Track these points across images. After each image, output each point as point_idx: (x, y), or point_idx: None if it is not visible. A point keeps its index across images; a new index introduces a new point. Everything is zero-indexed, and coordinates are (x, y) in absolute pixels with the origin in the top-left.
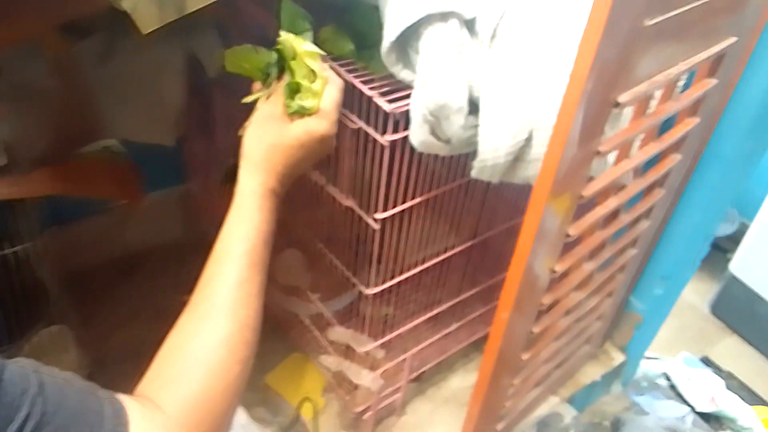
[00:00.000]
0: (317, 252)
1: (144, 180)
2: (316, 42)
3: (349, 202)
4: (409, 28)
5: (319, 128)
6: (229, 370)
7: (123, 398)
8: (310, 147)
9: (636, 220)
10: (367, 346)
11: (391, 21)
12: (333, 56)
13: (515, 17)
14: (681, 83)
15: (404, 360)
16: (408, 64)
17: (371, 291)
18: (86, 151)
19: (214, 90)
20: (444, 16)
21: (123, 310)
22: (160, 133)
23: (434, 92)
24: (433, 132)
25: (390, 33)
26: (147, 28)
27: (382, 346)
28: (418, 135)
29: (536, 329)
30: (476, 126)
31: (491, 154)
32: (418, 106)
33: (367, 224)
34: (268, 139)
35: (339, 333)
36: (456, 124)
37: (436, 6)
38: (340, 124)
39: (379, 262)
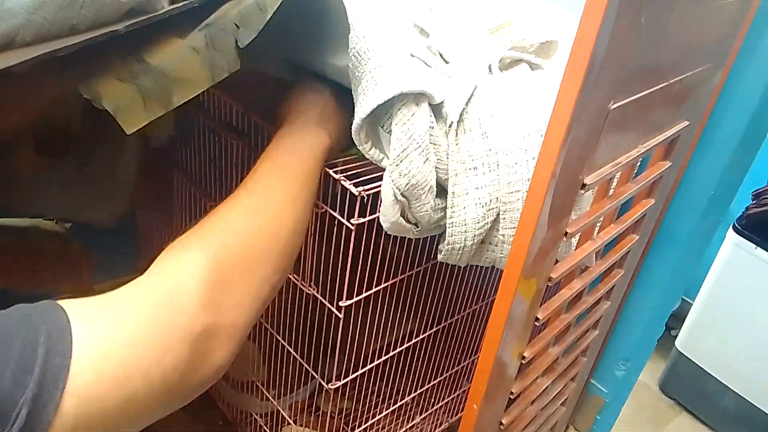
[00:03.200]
0: (273, 343)
1: (94, 267)
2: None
3: (311, 290)
4: (380, 106)
5: None
6: (274, 257)
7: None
8: None
9: (597, 302)
10: None
11: (363, 98)
12: None
13: (480, 102)
14: (637, 166)
15: None
16: (377, 142)
17: (333, 385)
18: (26, 228)
19: (173, 169)
20: (417, 97)
21: None
22: (105, 211)
23: (407, 171)
24: (403, 214)
25: (361, 110)
26: (132, 127)
27: None
28: (389, 216)
29: (506, 420)
30: (443, 208)
31: (459, 236)
32: (389, 186)
33: (329, 312)
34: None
35: None
36: (427, 205)
37: (410, 86)
38: None
39: (341, 352)
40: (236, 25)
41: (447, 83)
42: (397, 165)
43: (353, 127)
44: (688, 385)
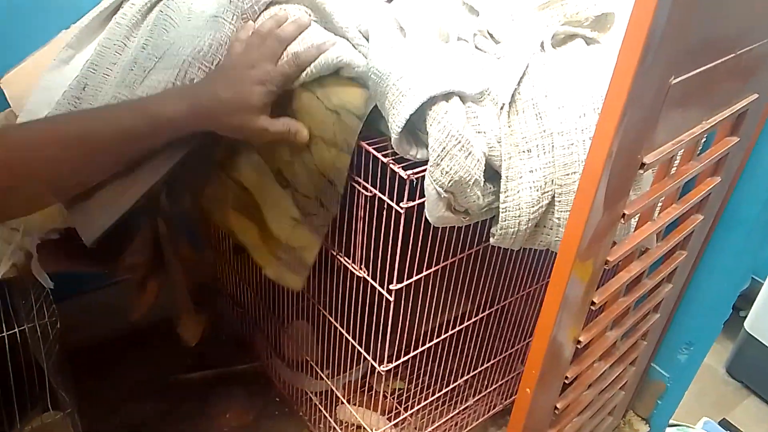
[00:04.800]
0: (327, 325)
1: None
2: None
3: (362, 273)
4: (413, 114)
5: None
6: None
7: None
8: None
9: (658, 285)
10: (379, 425)
11: (394, 112)
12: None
13: (532, 82)
14: (701, 142)
15: None
16: (420, 144)
17: (384, 368)
18: None
19: None
20: (446, 95)
21: (123, 386)
22: None
23: (448, 169)
24: (450, 206)
25: (395, 124)
26: (296, 287)
27: (396, 425)
28: (434, 211)
29: (560, 404)
30: (494, 192)
31: (513, 221)
32: (432, 185)
33: (380, 295)
34: None
35: (349, 412)
36: (473, 197)
37: (436, 88)
38: (355, 192)
39: (393, 335)
40: (316, 196)
41: (496, 65)
42: (438, 164)
43: (393, 142)
44: (756, 368)
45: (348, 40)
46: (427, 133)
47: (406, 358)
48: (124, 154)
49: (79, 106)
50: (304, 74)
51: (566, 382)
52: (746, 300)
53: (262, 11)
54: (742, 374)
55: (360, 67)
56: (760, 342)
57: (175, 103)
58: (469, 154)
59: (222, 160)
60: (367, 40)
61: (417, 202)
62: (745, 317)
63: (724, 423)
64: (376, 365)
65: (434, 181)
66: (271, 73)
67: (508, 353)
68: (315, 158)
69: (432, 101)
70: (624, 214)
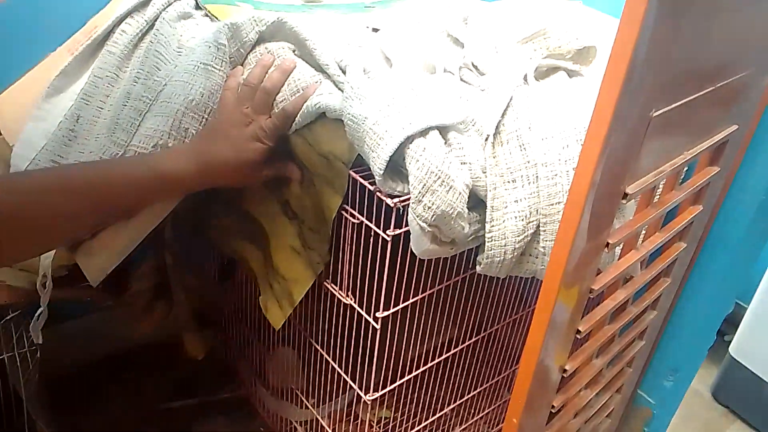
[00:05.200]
0: (313, 352)
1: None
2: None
3: (348, 300)
4: (392, 155)
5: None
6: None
7: None
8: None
9: (643, 312)
10: None
11: (373, 156)
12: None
13: (516, 114)
14: (683, 171)
15: None
16: (405, 179)
17: (371, 396)
18: None
19: None
20: (423, 132)
21: (105, 415)
22: None
23: (430, 204)
24: (435, 239)
25: (376, 167)
26: (277, 323)
27: None
28: (420, 245)
29: None
30: (479, 221)
31: (499, 250)
32: (416, 220)
33: (367, 323)
34: None
35: None
36: (457, 228)
37: (413, 127)
38: (342, 219)
39: (379, 363)
40: (317, 228)
41: (481, 97)
42: (419, 200)
43: (378, 183)
44: (742, 393)
45: (329, 76)
46: (408, 171)
47: (392, 386)
48: (130, 208)
49: (74, 138)
50: (293, 124)
51: (552, 411)
52: (731, 324)
53: (249, 52)
54: (728, 399)
55: (337, 111)
56: (745, 367)
57: (183, 163)
58: (450, 188)
59: (231, 194)
60: None
61: (404, 229)
62: (730, 342)
63: None
64: (362, 394)
65: (417, 216)
66: (265, 129)
67: (495, 380)
68: (319, 194)
69: (409, 140)
70: (608, 243)
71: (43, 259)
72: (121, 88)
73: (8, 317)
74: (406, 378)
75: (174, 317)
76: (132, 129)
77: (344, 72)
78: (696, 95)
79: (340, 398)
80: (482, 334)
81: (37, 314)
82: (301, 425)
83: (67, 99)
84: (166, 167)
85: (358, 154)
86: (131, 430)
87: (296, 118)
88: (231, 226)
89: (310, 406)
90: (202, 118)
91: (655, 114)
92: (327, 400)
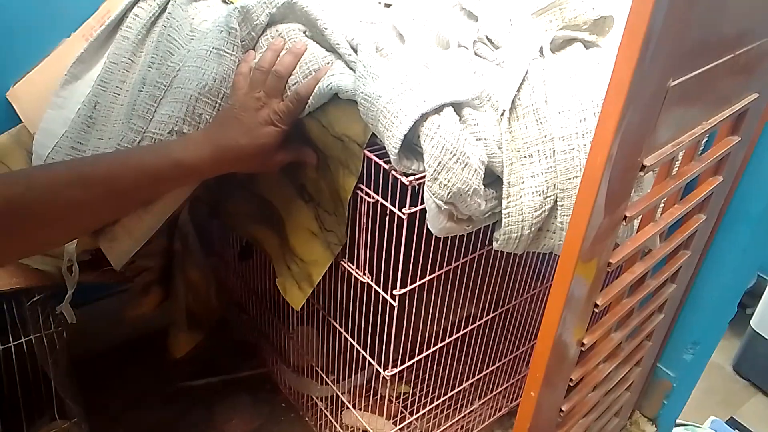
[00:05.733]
0: (332, 330)
1: None
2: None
3: (366, 278)
4: (407, 133)
5: None
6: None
7: None
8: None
9: (662, 285)
10: (384, 430)
11: (388, 135)
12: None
13: (532, 88)
14: (702, 142)
15: None
16: (420, 157)
17: (389, 372)
18: None
19: None
20: (437, 109)
21: (129, 394)
22: None
23: (446, 182)
24: (452, 217)
25: (391, 146)
26: (297, 305)
27: (402, 429)
28: (436, 223)
29: (566, 407)
30: (496, 197)
31: (516, 226)
32: (431, 198)
33: (384, 301)
34: None
35: (355, 416)
36: (474, 204)
37: (427, 105)
38: (358, 199)
39: (397, 340)
40: (333, 211)
41: (496, 71)
42: (435, 179)
43: (393, 162)
44: (764, 366)
45: (341, 56)
46: (422, 149)
47: (410, 362)
48: (147, 197)
49: (93, 125)
50: (306, 106)
51: (571, 384)
52: (753, 297)
53: (260, 35)
54: (749, 372)
55: (349, 92)
56: (767, 339)
57: (197, 150)
58: (466, 165)
59: (245, 179)
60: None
61: (419, 207)
62: (752, 314)
63: (731, 422)
64: (381, 370)
65: (433, 194)
66: (278, 113)
67: (513, 356)
68: (334, 176)
69: (423, 118)
70: (626, 216)
71: (67, 245)
72: (136, 73)
73: (35, 299)
74: (424, 354)
75: (168, 307)
76: (148, 115)
77: (356, 51)
78: (714, 63)
79: (359, 374)
80: (500, 310)
81: (66, 297)
82: (321, 401)
83: (85, 85)
84: (181, 155)
85: (373, 134)
86: (156, 407)
87: (309, 101)
88: (245, 209)
89: (330, 383)
90: (216, 103)
91: (672, 84)
92: (346, 377)
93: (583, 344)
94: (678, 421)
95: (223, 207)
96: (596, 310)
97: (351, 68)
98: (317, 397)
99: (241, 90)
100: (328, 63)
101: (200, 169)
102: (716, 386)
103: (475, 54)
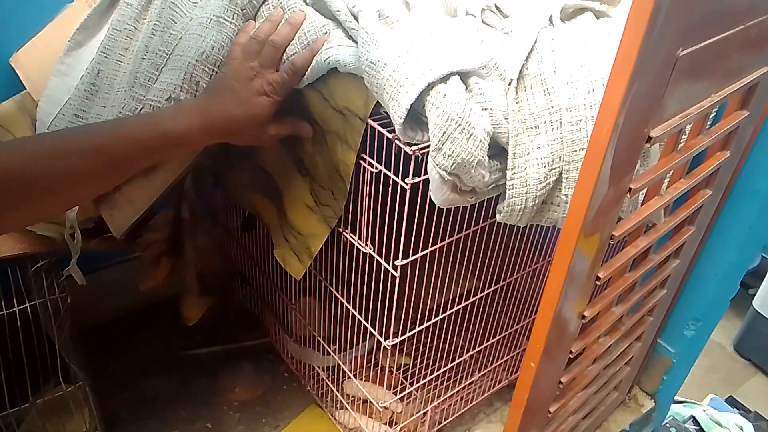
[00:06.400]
0: (334, 301)
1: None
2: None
3: (368, 249)
4: (413, 102)
5: None
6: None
7: None
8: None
9: (665, 260)
10: (385, 399)
11: (394, 103)
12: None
13: (541, 57)
14: (711, 117)
15: (425, 414)
16: (425, 127)
17: (390, 342)
18: None
19: None
20: (443, 78)
21: (134, 363)
22: None
23: (450, 152)
24: (455, 188)
25: (397, 115)
26: (297, 275)
27: (402, 399)
28: (439, 194)
29: (565, 379)
30: (500, 169)
31: (520, 198)
32: (435, 168)
33: (386, 271)
34: None
35: (356, 386)
36: (478, 176)
37: (434, 73)
38: (361, 169)
39: (398, 310)
40: (328, 186)
41: (504, 40)
42: (439, 149)
43: (397, 132)
44: (765, 346)
45: (341, 24)
46: (427, 118)
47: (411, 333)
48: (140, 166)
49: (95, 92)
50: (304, 78)
51: (571, 356)
52: (755, 278)
53: (261, 4)
54: (750, 352)
55: (349, 65)
56: None
57: (187, 119)
58: (471, 135)
59: (246, 150)
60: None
61: (422, 178)
62: (754, 295)
63: (730, 400)
64: (381, 340)
65: (437, 165)
66: (272, 84)
67: (513, 329)
68: (331, 151)
69: (429, 87)
70: (630, 189)
71: (68, 213)
72: (139, 41)
73: (38, 264)
74: (425, 325)
75: (178, 276)
76: (150, 84)
77: (356, 18)
78: (725, 34)
79: (360, 345)
80: (501, 284)
81: (72, 262)
82: (323, 370)
83: (88, 53)
84: (169, 125)
85: (375, 105)
86: (160, 375)
87: (306, 72)
88: (247, 180)
89: (332, 353)
90: (213, 71)
91: (682, 53)
92: (348, 347)
93: (584, 317)
94: (677, 397)
95: (226, 177)
96: (598, 282)
97: (351, 37)
98: (319, 367)
99: (236, 59)
100: (325, 33)
101: (189, 139)
102: (717, 365)
103: (483, 22)
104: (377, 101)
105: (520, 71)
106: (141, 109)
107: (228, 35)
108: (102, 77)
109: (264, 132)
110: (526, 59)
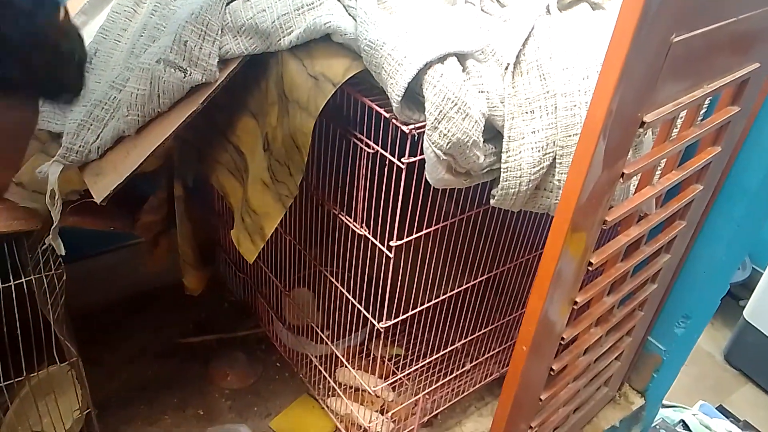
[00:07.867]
0: (328, 286)
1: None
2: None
3: (363, 231)
4: (410, 81)
5: None
6: None
7: None
8: None
9: (656, 254)
10: (377, 386)
11: (392, 82)
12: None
13: (537, 44)
14: (702, 111)
15: (416, 402)
16: (422, 107)
17: (384, 324)
18: None
19: None
20: (441, 58)
21: (127, 350)
22: None
23: (446, 132)
24: (450, 169)
25: (394, 93)
26: (250, 257)
27: (393, 387)
28: (434, 173)
29: (556, 366)
30: (495, 153)
31: (514, 182)
32: (431, 147)
33: (381, 253)
34: None
35: (349, 374)
36: (473, 157)
37: (432, 53)
38: (357, 150)
39: (392, 292)
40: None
41: (502, 27)
42: (435, 127)
43: (395, 111)
44: (754, 356)
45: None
46: (424, 98)
47: (404, 316)
48: None
49: (91, 71)
50: (295, 37)
51: (562, 343)
52: (746, 289)
53: None
54: (740, 362)
55: (349, 34)
56: (759, 330)
57: None
58: (467, 115)
59: (224, 125)
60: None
61: (419, 157)
62: (745, 306)
63: (720, 409)
64: (375, 322)
65: (433, 144)
66: None
67: (504, 321)
68: (291, 120)
69: (427, 66)
70: (623, 174)
71: (49, 176)
72: (138, 22)
73: (35, 241)
74: (418, 309)
75: (180, 249)
76: (143, 53)
77: None
78: (717, 25)
79: (354, 335)
80: (494, 272)
81: (53, 228)
82: (316, 359)
83: (87, 36)
84: None
85: (354, 77)
86: (153, 363)
87: (298, 32)
88: (222, 158)
89: (326, 339)
90: (201, 31)
91: (675, 39)
92: (342, 336)
93: (575, 302)
94: (667, 402)
95: (207, 152)
96: (590, 269)
97: (349, 14)
98: (312, 356)
99: None
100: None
101: None
102: (707, 374)
103: (482, 10)
104: (355, 73)
105: (517, 56)
106: (130, 77)
107: None
108: (99, 56)
109: None
110: (523, 45)
